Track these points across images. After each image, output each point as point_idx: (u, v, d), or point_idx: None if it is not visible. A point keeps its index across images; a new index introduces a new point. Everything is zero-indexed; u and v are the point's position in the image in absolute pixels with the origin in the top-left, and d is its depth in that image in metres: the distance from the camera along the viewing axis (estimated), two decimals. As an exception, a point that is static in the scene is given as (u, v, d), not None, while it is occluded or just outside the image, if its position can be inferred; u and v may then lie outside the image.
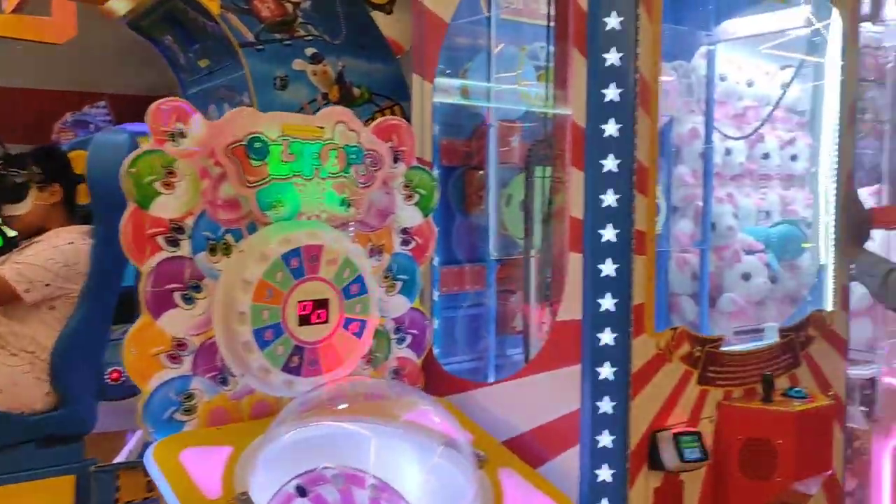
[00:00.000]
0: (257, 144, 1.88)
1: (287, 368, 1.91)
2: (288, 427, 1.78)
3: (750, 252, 2.95)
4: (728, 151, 3.12)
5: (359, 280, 2.02)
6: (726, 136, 2.99)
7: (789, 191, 3.31)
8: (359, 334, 2.03)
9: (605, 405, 1.89)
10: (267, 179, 1.90)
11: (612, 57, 1.87)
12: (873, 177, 3.40)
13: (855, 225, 2.33)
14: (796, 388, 2.15)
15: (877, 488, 2.57)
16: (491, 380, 2.34)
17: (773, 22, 2.74)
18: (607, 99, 1.88)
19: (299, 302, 1.91)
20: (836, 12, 2.41)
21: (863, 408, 2.54)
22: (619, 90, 1.88)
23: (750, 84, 3.21)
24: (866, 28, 2.58)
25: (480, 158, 2.45)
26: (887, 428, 2.56)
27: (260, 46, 2.91)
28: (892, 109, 2.64)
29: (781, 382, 2.21)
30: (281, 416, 1.80)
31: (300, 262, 1.91)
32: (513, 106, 2.36)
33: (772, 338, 2.24)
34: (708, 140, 2.88)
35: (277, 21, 2.95)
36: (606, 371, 1.89)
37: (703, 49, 2.87)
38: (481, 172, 2.47)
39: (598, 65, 1.89)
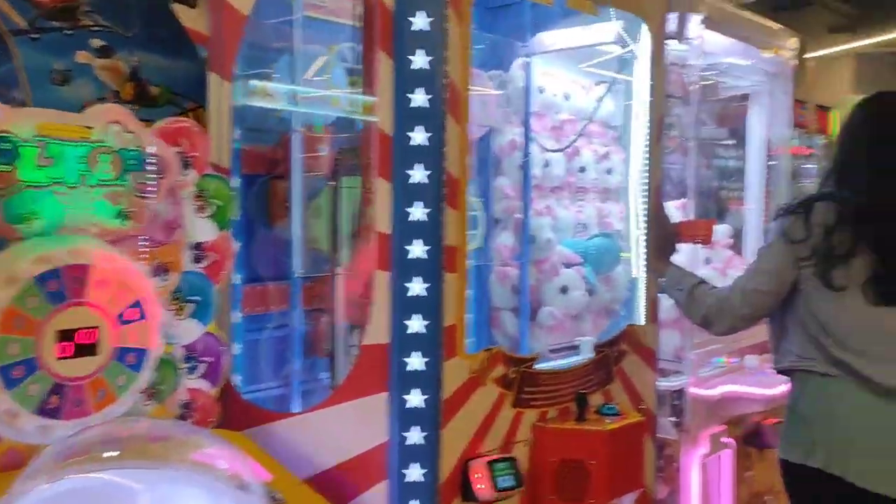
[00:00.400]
0: (3, 145, 1.58)
1: (43, 411, 1.62)
2: (39, 481, 1.49)
3: (568, 265, 2.95)
4: (547, 164, 3.12)
5: (137, 304, 1.76)
6: (545, 149, 2.98)
7: (606, 203, 3.37)
8: (136, 366, 1.77)
9: (415, 435, 1.75)
10: (17, 187, 1.60)
11: (420, 60, 1.75)
12: (680, 191, 3.56)
13: (662, 238, 2.35)
14: (609, 406, 2.13)
15: (686, 497, 2.62)
16: (296, 409, 2.14)
17: (586, 36, 2.75)
18: (415, 105, 1.76)
19: (59, 332, 1.62)
20: (644, 29, 2.44)
21: (672, 418, 2.58)
22: (428, 96, 1.76)
23: (567, 97, 3.24)
24: (673, 46, 2.64)
25: (288, 167, 2.25)
26: (695, 437, 2.62)
27: (35, 35, 2.53)
28: (695, 126, 2.71)
29: (596, 399, 2.18)
30: (30, 468, 1.50)
31: (60, 284, 1.63)
32: (320, 111, 2.18)
33: (587, 354, 2.21)
34: (526, 152, 2.85)
35: (57, 7, 2.59)
36: (416, 399, 1.75)
37: (520, 60, 2.84)
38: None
39: (404, 68, 1.76)
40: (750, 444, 2.90)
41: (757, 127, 3.28)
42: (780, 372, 2.10)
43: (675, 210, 3.27)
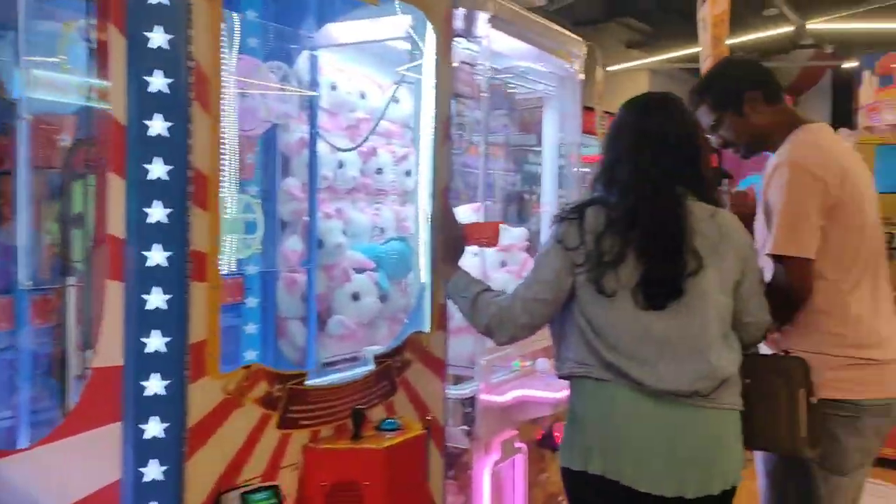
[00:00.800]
0: None
1: None
2: None
3: (360, 270, 2.81)
4: (341, 164, 2.96)
5: None
6: (336, 148, 2.82)
7: (405, 206, 3.27)
8: None
9: (154, 470, 1.52)
10: None
11: (158, 38, 1.53)
12: (477, 193, 3.54)
13: (450, 241, 2.27)
14: (390, 420, 2.00)
15: (479, 506, 2.56)
16: (23, 444, 1.82)
17: (375, 30, 2.63)
18: (153, 89, 1.53)
19: None
20: (430, 26, 2.35)
21: (464, 427, 2.50)
22: (169, 80, 1.54)
23: (363, 96, 3.11)
24: (463, 45, 2.58)
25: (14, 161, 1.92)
26: (487, 444, 2.57)
27: None
28: (485, 128, 2.66)
29: (378, 413, 2.05)
30: None
31: None
32: (51, 96, 1.88)
33: (369, 365, 2.07)
34: (312, 150, 2.68)
35: None
36: (155, 428, 1.52)
37: (306, 53, 2.67)
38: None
39: (140, 47, 1.53)
40: (543, 446, 2.90)
41: (550, 131, 3.31)
42: (561, 377, 2.07)
43: (472, 213, 3.23)
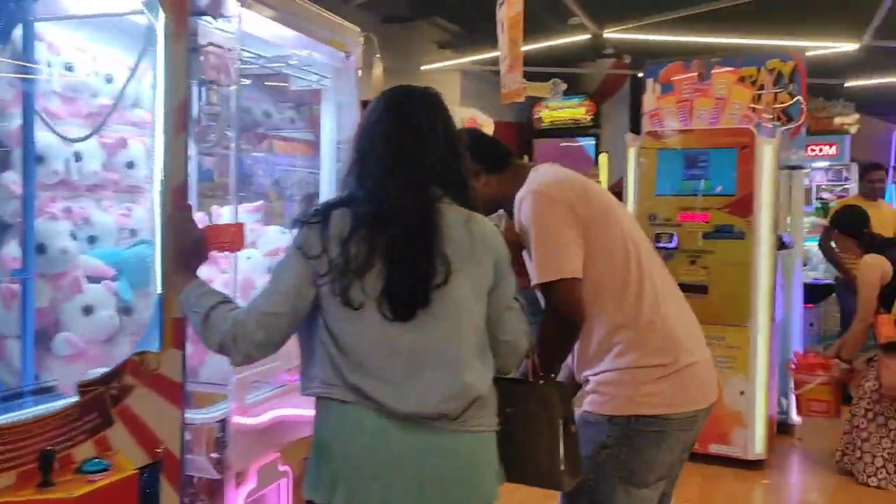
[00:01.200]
0: None
1: None
2: None
3: (95, 279, 2.45)
4: (78, 157, 2.58)
5: None
6: (63, 138, 2.44)
7: (164, 206, 2.92)
8: None
9: None
10: None
11: None
12: (257, 192, 3.26)
13: (186, 247, 1.98)
14: (94, 460, 1.69)
15: (232, 542, 2.29)
16: None
17: (108, 3, 2.29)
18: None
19: None
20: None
21: (214, 454, 2.22)
22: None
23: (109, 80, 2.73)
24: (212, 25, 2.29)
25: None
26: (243, 472, 2.31)
27: None
28: (233, 118, 2.39)
29: (87, 452, 1.73)
30: None
31: None
32: None
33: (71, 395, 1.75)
34: (28, 139, 2.29)
35: None
36: None
37: (21, 26, 2.27)
38: None
39: None
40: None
41: (328, 127, 3.09)
42: (308, 395, 1.86)
43: (248, 214, 2.96)
